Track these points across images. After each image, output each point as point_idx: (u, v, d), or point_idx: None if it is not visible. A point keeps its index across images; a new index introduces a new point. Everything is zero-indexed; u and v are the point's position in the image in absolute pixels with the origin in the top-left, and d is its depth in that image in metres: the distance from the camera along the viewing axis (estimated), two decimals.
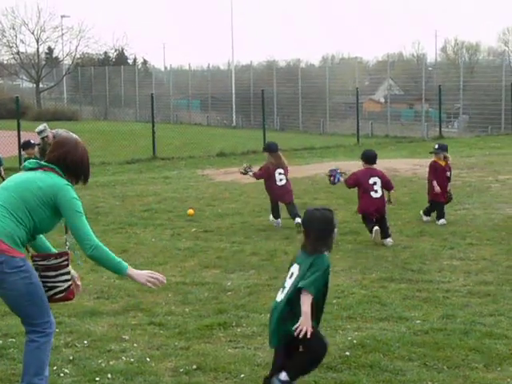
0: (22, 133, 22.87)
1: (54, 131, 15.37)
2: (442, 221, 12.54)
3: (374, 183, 11.34)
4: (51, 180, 5.32)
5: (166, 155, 26.02)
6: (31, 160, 5.56)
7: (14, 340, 6.85)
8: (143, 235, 12.23)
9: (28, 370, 5.33)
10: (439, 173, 12.90)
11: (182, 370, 6.22)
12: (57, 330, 7.09)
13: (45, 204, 5.27)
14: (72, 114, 51.29)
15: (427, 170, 13.17)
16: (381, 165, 20.80)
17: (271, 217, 12.83)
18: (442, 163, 12.94)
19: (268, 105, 38.84)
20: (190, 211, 13.85)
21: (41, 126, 15.33)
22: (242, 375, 6.11)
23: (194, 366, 6.28)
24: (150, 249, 11.14)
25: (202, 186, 17.77)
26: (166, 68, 68.52)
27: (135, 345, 6.87)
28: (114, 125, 39.10)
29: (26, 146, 14.66)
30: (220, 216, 13.81)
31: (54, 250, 5.60)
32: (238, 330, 7.26)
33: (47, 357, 5.40)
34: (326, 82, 46.40)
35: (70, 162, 5.41)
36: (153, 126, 26.41)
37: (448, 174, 12.95)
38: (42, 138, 15.22)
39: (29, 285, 5.24)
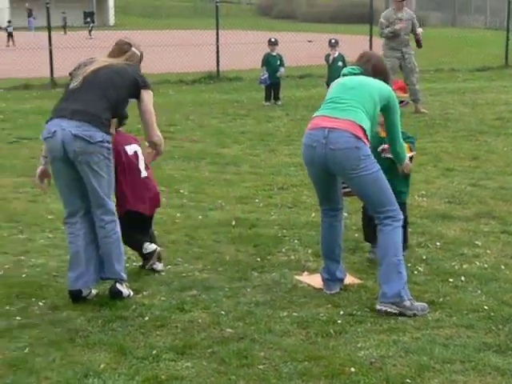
0: None
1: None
2: None
3: None
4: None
5: None
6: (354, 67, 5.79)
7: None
8: (494, 144, 11.89)
9: (388, 251, 5.43)
10: None
11: None
12: (410, 230, 7.20)
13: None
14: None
15: None
16: None
17: None
18: None
19: None
20: None
21: None
22: None
23: None
24: (502, 158, 10.81)
25: None
26: None
27: (488, 251, 6.74)
28: (462, 31, 38.18)
29: None
30: None
31: None
32: None
33: (400, 241, 5.49)
34: None
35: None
36: (507, 33, 25.14)
37: None
38: None
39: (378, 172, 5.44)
